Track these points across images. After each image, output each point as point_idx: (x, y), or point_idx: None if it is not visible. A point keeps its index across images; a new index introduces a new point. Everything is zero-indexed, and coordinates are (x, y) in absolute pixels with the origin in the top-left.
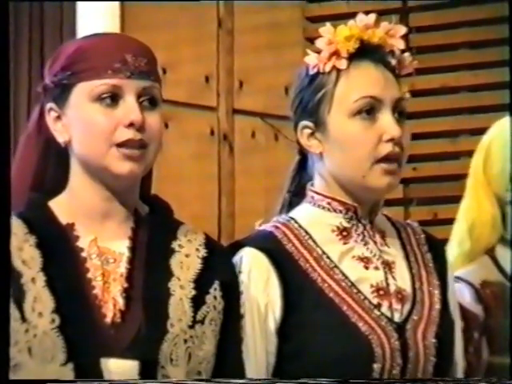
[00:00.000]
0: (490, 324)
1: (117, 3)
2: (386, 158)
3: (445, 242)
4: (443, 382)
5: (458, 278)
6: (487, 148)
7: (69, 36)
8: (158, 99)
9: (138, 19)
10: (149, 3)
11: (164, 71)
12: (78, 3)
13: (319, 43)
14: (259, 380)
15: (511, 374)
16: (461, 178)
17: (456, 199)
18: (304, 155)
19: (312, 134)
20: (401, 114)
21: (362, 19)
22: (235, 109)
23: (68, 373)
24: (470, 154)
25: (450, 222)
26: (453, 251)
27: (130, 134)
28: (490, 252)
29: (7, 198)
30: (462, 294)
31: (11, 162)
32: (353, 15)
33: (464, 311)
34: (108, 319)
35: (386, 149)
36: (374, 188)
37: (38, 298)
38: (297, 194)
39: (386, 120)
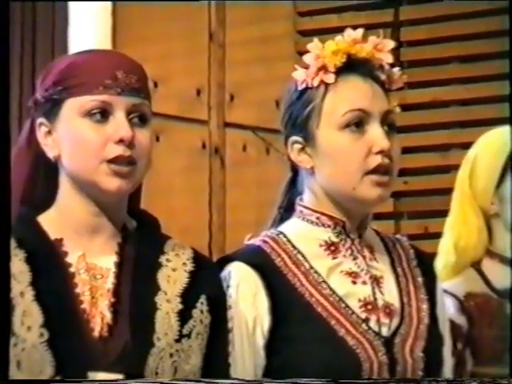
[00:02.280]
0: (473, 335)
1: (109, 16)
2: (375, 170)
3: (435, 256)
4: (436, 382)
5: (443, 291)
6: (473, 161)
7: (60, 48)
8: (147, 116)
9: (130, 32)
10: (141, 16)
11: (155, 84)
12: (71, 15)
13: (307, 58)
14: (248, 381)
15: (511, 373)
16: (451, 192)
17: (447, 213)
18: (295, 171)
19: (302, 149)
20: (390, 126)
21: (350, 34)
22: (226, 122)
23: None
24: (460, 167)
25: (440, 236)
26: (438, 264)
27: (119, 150)
28: (476, 265)
29: (7, 211)
30: (446, 307)
31: (10, 173)
32: (344, 29)
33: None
34: (96, 333)
35: (376, 161)
36: (364, 199)
37: (27, 312)
38: (287, 209)
39: (375, 132)
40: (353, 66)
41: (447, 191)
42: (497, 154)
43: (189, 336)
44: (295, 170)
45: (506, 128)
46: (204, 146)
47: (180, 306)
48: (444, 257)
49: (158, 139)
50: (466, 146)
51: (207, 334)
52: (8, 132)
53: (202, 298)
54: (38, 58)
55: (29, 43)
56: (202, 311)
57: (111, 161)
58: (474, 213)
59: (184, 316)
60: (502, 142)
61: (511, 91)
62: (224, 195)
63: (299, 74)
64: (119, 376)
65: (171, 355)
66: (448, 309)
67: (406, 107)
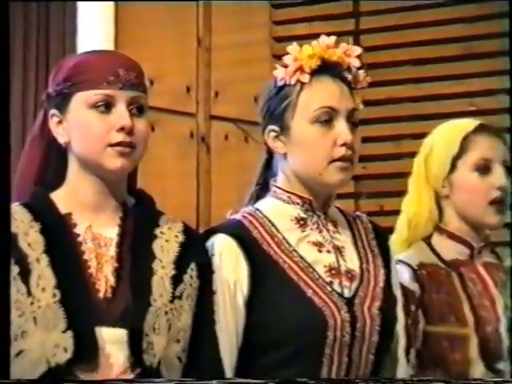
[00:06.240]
0: (424, 299)
1: (112, 23)
2: (339, 159)
3: (389, 230)
4: (402, 381)
5: (399, 261)
6: (429, 148)
7: (70, 49)
8: (144, 107)
9: (130, 36)
10: (139, 22)
11: (151, 82)
12: (79, 20)
13: (286, 59)
14: (258, 380)
15: None
16: (403, 175)
17: (399, 194)
18: (271, 154)
19: (277, 137)
20: (354, 123)
21: (324, 40)
22: (212, 115)
23: (68, 339)
24: (411, 155)
25: (394, 213)
26: (394, 238)
27: (121, 136)
28: (427, 239)
29: (7, 194)
30: (401, 274)
31: (10, 160)
32: (313, 36)
33: (403, 288)
34: (101, 294)
35: (340, 152)
36: (328, 183)
37: (42, 276)
38: (262, 188)
39: (341, 127)
40: (325, 68)
41: (400, 175)
42: (449, 143)
43: (180, 297)
44: (270, 153)
45: (459, 121)
46: (192, 136)
47: (173, 272)
48: (399, 231)
49: (153, 129)
50: (416, 136)
51: (196, 295)
52: (8, 133)
53: (192, 265)
54: (51, 59)
55: (43, 46)
56: (191, 276)
57: (114, 145)
58: (428, 194)
59: (176, 280)
60: (455, 134)
61: (511, 86)
62: (209, 178)
63: (279, 73)
64: (122, 330)
65: (166, 313)
66: (403, 276)
67: (365, 103)
